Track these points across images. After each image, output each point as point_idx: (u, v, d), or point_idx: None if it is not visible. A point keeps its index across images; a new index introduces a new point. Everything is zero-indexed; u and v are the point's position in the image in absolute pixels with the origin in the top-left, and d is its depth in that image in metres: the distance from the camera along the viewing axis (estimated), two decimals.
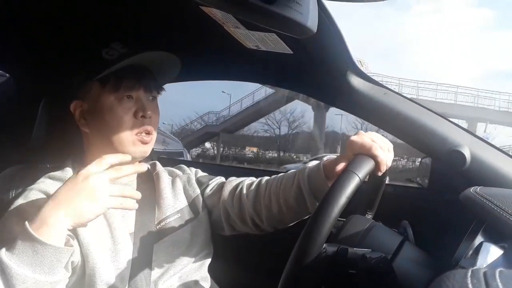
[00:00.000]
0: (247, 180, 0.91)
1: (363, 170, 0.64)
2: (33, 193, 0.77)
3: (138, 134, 0.81)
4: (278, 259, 0.64)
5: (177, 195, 0.91)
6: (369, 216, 0.89)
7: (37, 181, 0.81)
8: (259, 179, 0.91)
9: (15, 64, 1.17)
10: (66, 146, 0.90)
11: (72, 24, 0.98)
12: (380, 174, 0.71)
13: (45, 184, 0.80)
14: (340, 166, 0.75)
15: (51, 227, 0.61)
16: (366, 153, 0.68)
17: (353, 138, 0.72)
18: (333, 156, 0.80)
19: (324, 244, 0.59)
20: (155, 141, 0.86)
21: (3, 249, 0.60)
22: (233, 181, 0.93)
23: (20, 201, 0.76)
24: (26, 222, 0.61)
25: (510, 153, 0.91)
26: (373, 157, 0.68)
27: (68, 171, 0.84)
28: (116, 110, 0.80)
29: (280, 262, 0.59)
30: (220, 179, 0.97)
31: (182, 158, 4.45)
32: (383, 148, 0.70)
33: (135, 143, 0.81)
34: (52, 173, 0.83)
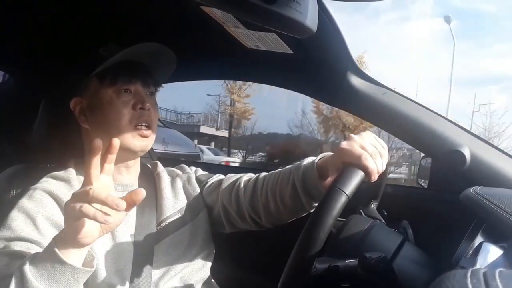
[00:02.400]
0: (245, 177, 0.91)
1: (351, 186, 0.62)
2: (38, 193, 0.77)
3: (137, 127, 0.81)
4: (281, 259, 0.64)
5: (177, 194, 0.91)
6: (374, 205, 0.89)
7: (41, 181, 0.81)
8: (256, 175, 0.90)
9: (15, 64, 1.17)
10: (67, 145, 0.90)
11: (71, 24, 0.98)
12: (372, 181, 0.68)
13: (49, 184, 0.80)
14: (328, 179, 0.73)
15: (71, 248, 0.59)
16: (355, 163, 0.65)
17: (343, 145, 0.69)
18: (328, 154, 0.78)
19: (315, 262, 0.59)
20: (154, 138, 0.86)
21: (27, 260, 0.60)
22: (231, 177, 0.92)
23: (25, 200, 0.76)
24: (55, 236, 0.60)
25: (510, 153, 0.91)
26: (363, 168, 0.65)
27: (71, 171, 0.84)
28: (114, 104, 0.81)
29: (283, 263, 0.59)
30: (219, 176, 0.96)
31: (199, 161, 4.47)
32: (374, 155, 0.67)
33: (134, 136, 0.81)
34: (55, 172, 0.83)
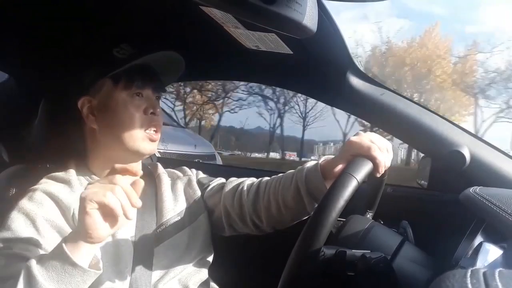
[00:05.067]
0: (248, 181, 0.92)
1: (362, 172, 0.63)
2: (38, 194, 0.77)
3: (147, 131, 0.83)
4: (279, 261, 0.64)
5: (177, 197, 0.91)
6: (369, 215, 0.89)
7: (40, 182, 0.81)
8: (259, 179, 0.91)
9: (15, 63, 1.17)
10: (67, 145, 0.90)
11: (77, 24, 0.98)
12: (378, 175, 0.71)
13: (49, 185, 0.80)
14: (338, 167, 0.74)
15: (82, 248, 0.60)
16: (364, 154, 0.68)
17: (352, 138, 0.73)
18: (330, 156, 0.80)
19: (322, 247, 0.59)
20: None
21: (34, 260, 0.60)
22: (234, 181, 0.93)
23: (25, 201, 0.76)
24: (64, 238, 0.62)
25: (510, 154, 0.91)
26: (371, 159, 0.68)
27: (71, 172, 0.83)
28: (128, 107, 0.82)
29: (281, 264, 0.59)
30: (220, 179, 0.97)
31: (214, 162, 4.35)
32: (381, 149, 0.70)
33: (144, 139, 0.83)
34: (55, 173, 0.83)
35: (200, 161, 3.94)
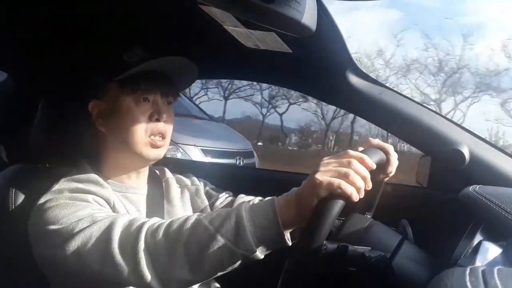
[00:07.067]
0: (256, 199, 0.93)
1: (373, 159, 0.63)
2: (66, 194, 0.76)
3: (152, 137, 0.82)
4: (280, 259, 0.64)
5: (185, 205, 0.92)
6: (368, 217, 0.89)
7: (62, 184, 0.79)
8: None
9: (15, 63, 1.17)
10: (76, 146, 0.90)
11: (80, 26, 0.98)
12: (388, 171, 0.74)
13: (74, 184, 0.79)
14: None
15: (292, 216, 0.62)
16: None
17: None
18: None
19: (325, 242, 0.60)
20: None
21: (244, 212, 0.62)
22: (244, 197, 0.94)
23: (65, 195, 0.75)
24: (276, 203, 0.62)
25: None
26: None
27: (89, 170, 0.83)
28: (132, 112, 0.81)
29: (283, 262, 0.59)
30: (228, 193, 0.98)
31: (253, 159, 4.29)
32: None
33: (147, 145, 0.82)
34: (76, 176, 0.81)
35: (241, 158, 3.95)
